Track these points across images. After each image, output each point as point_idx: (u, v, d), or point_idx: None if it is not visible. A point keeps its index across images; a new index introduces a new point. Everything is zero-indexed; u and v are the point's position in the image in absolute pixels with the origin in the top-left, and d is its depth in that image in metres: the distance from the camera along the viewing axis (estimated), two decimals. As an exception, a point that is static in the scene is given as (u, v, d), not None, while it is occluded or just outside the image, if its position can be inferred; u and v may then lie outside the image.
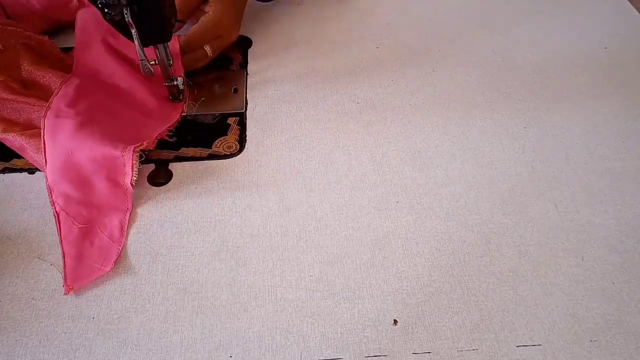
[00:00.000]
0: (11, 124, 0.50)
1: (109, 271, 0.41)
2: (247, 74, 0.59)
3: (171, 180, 0.48)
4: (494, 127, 0.52)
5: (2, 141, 0.49)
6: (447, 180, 0.48)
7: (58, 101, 0.49)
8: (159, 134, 0.50)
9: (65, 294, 0.40)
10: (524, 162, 0.49)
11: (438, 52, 0.62)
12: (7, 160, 0.50)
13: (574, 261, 0.42)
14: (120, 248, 0.43)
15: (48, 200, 0.46)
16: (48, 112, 0.48)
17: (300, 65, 0.60)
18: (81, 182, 0.45)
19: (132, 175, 0.45)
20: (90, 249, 0.43)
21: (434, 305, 0.39)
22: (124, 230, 0.44)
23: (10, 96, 0.50)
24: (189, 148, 0.51)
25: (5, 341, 0.38)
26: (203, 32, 0.56)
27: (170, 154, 0.50)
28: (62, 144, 0.46)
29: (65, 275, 0.41)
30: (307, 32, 0.65)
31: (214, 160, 0.50)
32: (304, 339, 0.38)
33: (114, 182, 0.45)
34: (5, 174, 0.49)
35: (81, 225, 0.44)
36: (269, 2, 0.68)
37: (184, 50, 0.56)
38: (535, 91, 0.56)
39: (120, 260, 0.42)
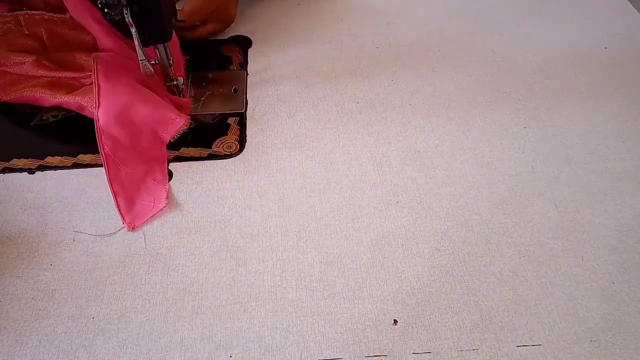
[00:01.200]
0: (57, 89, 0.52)
1: (165, 207, 0.45)
2: (247, 74, 0.59)
3: (171, 180, 0.48)
4: (494, 127, 0.52)
5: (60, 104, 0.52)
6: (447, 180, 0.48)
7: (104, 55, 0.52)
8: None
9: (127, 230, 0.44)
10: (524, 162, 0.49)
11: (438, 52, 0.62)
12: (7, 160, 0.50)
13: (574, 261, 0.42)
14: (167, 188, 0.47)
15: (48, 200, 0.46)
16: (98, 59, 0.51)
17: (300, 65, 0.60)
18: (132, 131, 0.49)
19: (173, 135, 0.50)
20: (138, 191, 0.47)
21: (434, 305, 0.39)
22: (165, 174, 0.48)
23: (46, 73, 0.54)
24: (189, 148, 0.51)
25: (5, 341, 0.38)
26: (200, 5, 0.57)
27: (170, 154, 0.50)
28: (120, 94, 0.49)
29: (121, 214, 0.45)
30: (307, 32, 0.65)
31: (214, 160, 0.50)
32: (304, 339, 0.38)
33: (157, 136, 0.50)
34: (5, 174, 0.49)
35: (128, 169, 0.47)
36: None
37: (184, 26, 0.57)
38: (535, 91, 0.56)
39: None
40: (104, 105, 0.48)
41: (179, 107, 0.53)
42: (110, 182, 0.46)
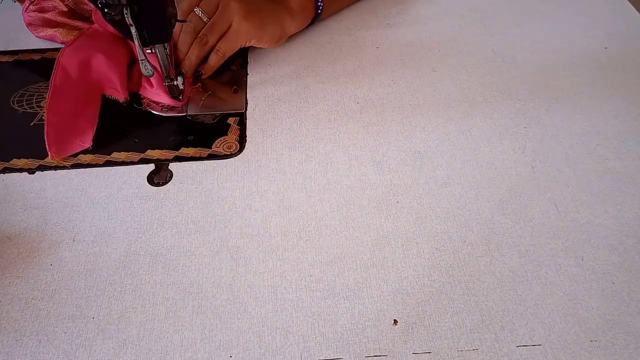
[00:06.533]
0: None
1: (89, 147, 0.50)
2: (247, 74, 0.59)
3: (171, 180, 0.48)
4: (494, 127, 0.52)
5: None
6: (447, 180, 0.48)
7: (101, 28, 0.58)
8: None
9: (50, 159, 0.49)
10: (524, 162, 0.49)
11: (438, 52, 0.62)
12: (7, 160, 0.50)
13: (574, 261, 0.42)
14: (94, 129, 0.52)
15: (48, 200, 0.46)
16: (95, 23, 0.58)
17: (300, 65, 0.60)
18: (84, 74, 0.54)
19: (110, 95, 0.55)
20: (70, 130, 0.51)
21: (434, 305, 0.39)
22: (96, 115, 0.53)
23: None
24: (189, 148, 0.51)
25: (5, 341, 0.38)
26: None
27: (170, 154, 0.50)
28: (90, 48, 0.55)
29: (48, 143, 0.49)
30: (307, 33, 0.65)
31: (214, 160, 0.50)
32: (304, 339, 0.38)
33: (99, 85, 0.55)
34: (6, 174, 0.49)
35: (68, 104, 0.52)
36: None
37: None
38: (535, 91, 0.56)
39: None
40: (73, 46, 0.54)
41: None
42: (48, 110, 0.50)
